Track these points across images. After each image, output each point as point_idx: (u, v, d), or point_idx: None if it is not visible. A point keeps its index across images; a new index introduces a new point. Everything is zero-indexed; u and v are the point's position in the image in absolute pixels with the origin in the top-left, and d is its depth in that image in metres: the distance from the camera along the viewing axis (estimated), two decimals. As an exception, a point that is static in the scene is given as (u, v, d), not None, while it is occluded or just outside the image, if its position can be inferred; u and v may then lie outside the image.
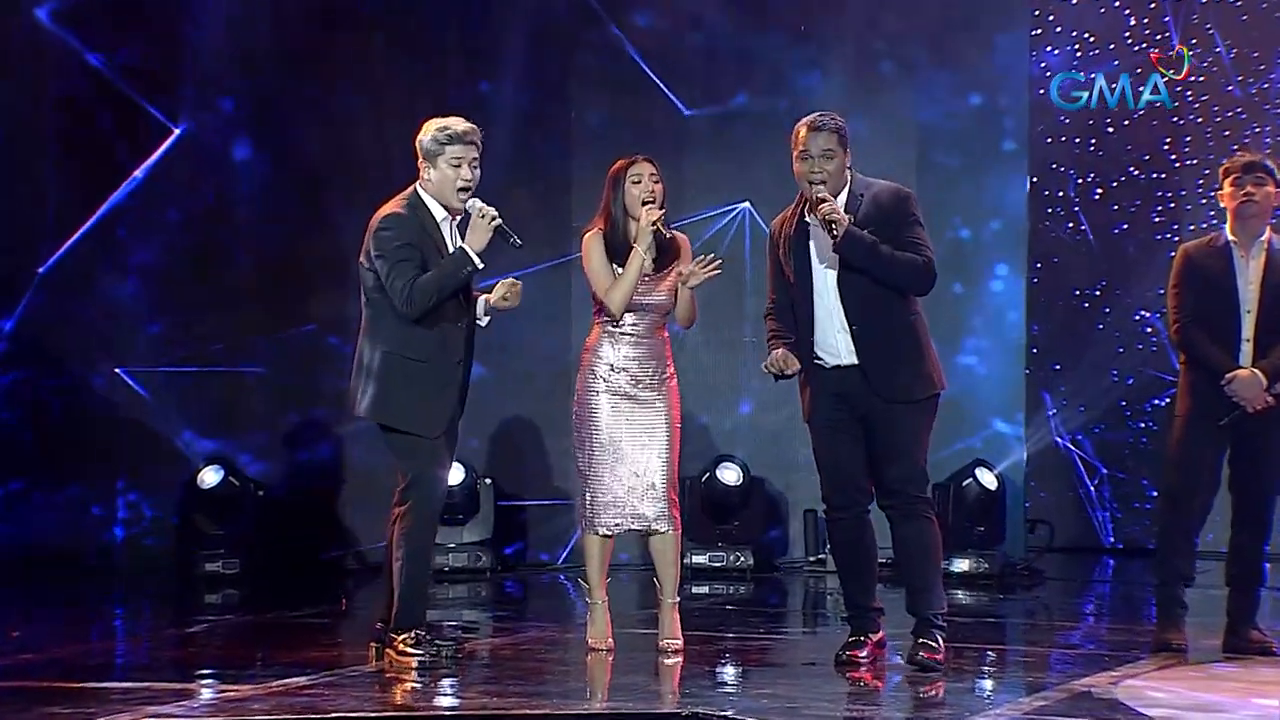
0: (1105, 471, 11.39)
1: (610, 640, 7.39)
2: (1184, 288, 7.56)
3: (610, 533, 7.34)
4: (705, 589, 9.88)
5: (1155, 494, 11.13)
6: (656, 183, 7.30)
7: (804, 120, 6.99)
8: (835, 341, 6.97)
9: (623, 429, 7.29)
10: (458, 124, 7.03)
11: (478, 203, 7.03)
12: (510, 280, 7.11)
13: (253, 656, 7.51)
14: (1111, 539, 11.37)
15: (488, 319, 7.19)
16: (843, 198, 6.95)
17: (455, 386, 7.04)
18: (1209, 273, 7.51)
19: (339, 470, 10.75)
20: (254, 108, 10.72)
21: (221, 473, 10.18)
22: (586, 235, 7.39)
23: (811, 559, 10.52)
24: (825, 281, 6.98)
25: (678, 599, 7.43)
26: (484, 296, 7.15)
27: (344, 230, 9.58)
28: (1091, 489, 11.37)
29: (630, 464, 7.28)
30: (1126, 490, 11.36)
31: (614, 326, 7.33)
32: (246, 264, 10.73)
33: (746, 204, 10.72)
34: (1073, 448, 11.36)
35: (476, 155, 7.03)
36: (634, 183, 7.29)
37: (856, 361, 6.93)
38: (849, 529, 7.09)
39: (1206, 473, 7.51)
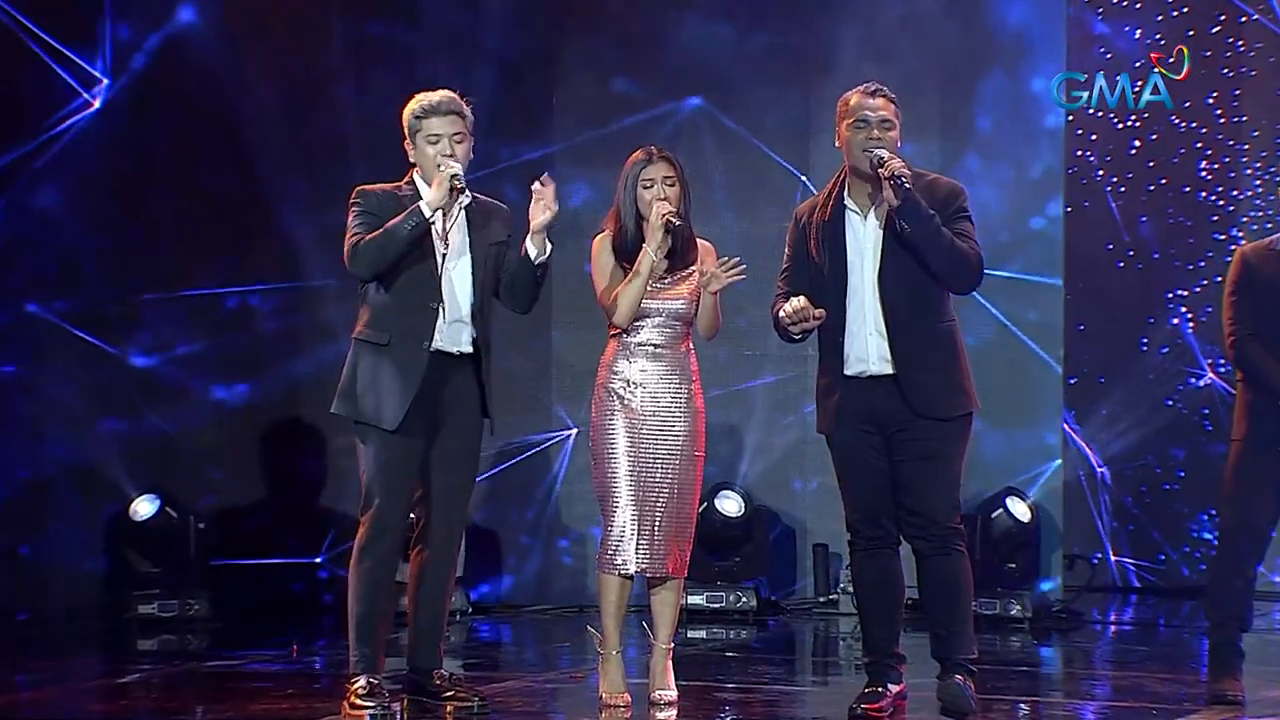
0: (1109, 479, 11.38)
1: (627, 695, 7.27)
2: (1241, 296, 7.52)
3: (631, 573, 7.24)
4: (703, 633, 9.86)
5: (1181, 482, 11.15)
6: (671, 185, 7.24)
7: (855, 89, 6.94)
8: (867, 346, 6.91)
9: (641, 456, 7.21)
10: (434, 95, 7.07)
11: (451, 162, 6.99)
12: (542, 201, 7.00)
13: (193, 709, 7.46)
14: (1110, 521, 11.34)
15: (549, 251, 7.07)
16: None
17: (419, 374, 6.95)
18: (1268, 279, 7.48)
19: (295, 496, 10.70)
20: (187, 58, 10.61)
21: (157, 503, 10.09)
22: (595, 239, 7.36)
23: (822, 599, 10.48)
24: (863, 277, 6.91)
25: (672, 645, 7.36)
26: (527, 239, 7.07)
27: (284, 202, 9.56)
28: (1098, 473, 11.36)
29: (651, 496, 7.20)
30: (1152, 478, 11.41)
31: (629, 337, 7.26)
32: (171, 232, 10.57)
33: (699, 98, 10.54)
34: (1084, 446, 11.31)
35: (459, 130, 7.04)
36: (645, 186, 7.24)
37: (890, 371, 6.89)
38: (878, 561, 7.04)
39: (1266, 503, 7.49)
